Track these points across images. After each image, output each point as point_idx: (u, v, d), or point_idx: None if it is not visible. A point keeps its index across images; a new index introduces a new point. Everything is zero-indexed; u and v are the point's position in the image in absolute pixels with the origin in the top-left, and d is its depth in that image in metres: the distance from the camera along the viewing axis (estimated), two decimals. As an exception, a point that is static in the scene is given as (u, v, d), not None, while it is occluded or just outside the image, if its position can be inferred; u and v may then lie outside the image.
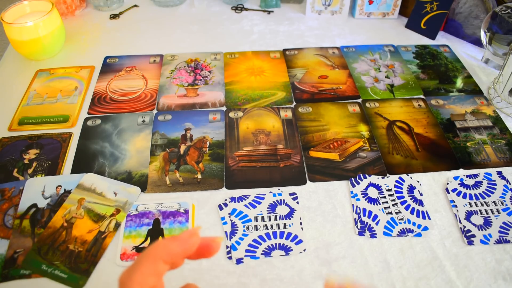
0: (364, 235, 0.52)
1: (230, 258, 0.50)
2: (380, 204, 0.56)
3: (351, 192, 0.57)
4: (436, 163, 0.62)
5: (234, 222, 0.53)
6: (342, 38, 0.88)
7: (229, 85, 0.75)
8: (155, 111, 0.70)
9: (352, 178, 0.59)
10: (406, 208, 0.55)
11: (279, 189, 0.58)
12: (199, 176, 0.59)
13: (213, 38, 0.88)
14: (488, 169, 0.61)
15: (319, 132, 0.66)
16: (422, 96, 0.74)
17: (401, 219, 0.54)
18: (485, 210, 0.55)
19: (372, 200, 0.56)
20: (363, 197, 0.56)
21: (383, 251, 0.51)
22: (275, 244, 0.51)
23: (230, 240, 0.51)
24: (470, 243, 0.52)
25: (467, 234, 0.52)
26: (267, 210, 0.55)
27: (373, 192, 0.57)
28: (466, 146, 0.64)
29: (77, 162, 0.61)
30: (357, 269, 0.49)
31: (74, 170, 0.60)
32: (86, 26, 0.91)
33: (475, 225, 0.53)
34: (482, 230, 0.53)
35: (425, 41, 0.88)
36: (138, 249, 0.51)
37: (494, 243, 0.51)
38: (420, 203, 0.56)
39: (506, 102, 0.70)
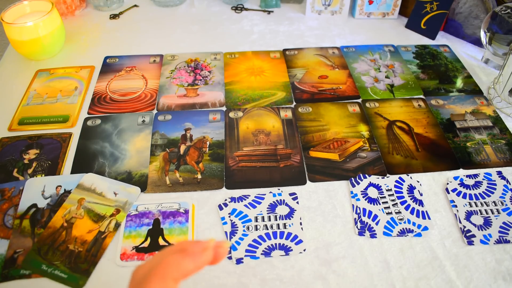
0: (364, 235, 0.52)
1: (230, 258, 0.50)
2: (380, 204, 0.56)
3: (351, 192, 0.57)
4: (436, 163, 0.62)
5: (234, 222, 0.53)
6: (342, 38, 0.88)
7: (229, 85, 0.75)
8: (155, 111, 0.70)
9: (352, 178, 0.59)
10: (406, 208, 0.55)
11: (279, 189, 0.58)
12: (199, 176, 0.59)
13: (213, 38, 0.88)
14: (488, 169, 0.61)
15: (319, 132, 0.66)
16: (422, 96, 0.74)
17: (401, 219, 0.54)
18: (485, 210, 0.55)
19: (372, 200, 0.56)
20: (363, 197, 0.56)
21: (383, 251, 0.51)
22: (275, 244, 0.51)
23: (230, 240, 0.51)
24: (470, 243, 0.52)
25: (467, 234, 0.52)
26: (267, 210, 0.55)
27: (373, 192, 0.57)
28: (466, 146, 0.64)
29: (77, 162, 0.61)
30: (357, 269, 0.49)
31: (74, 170, 0.60)
32: (86, 26, 0.91)
33: (475, 225, 0.53)
34: (482, 230, 0.53)
35: (425, 41, 0.88)
36: (138, 249, 0.51)
37: (494, 243, 0.51)
38: (420, 203, 0.56)
39: (506, 102, 0.70)
